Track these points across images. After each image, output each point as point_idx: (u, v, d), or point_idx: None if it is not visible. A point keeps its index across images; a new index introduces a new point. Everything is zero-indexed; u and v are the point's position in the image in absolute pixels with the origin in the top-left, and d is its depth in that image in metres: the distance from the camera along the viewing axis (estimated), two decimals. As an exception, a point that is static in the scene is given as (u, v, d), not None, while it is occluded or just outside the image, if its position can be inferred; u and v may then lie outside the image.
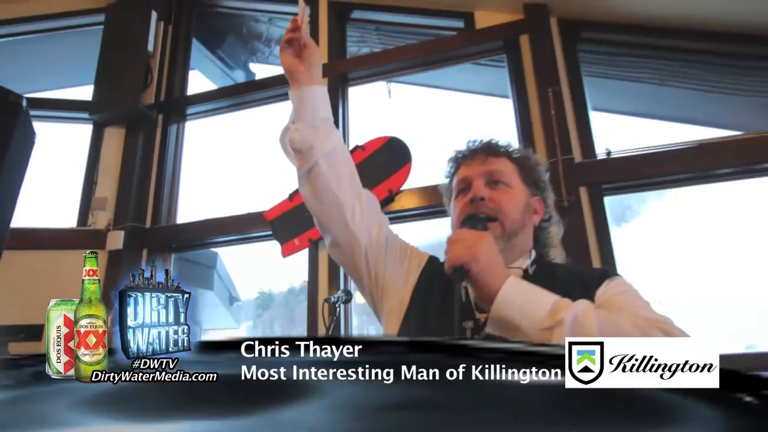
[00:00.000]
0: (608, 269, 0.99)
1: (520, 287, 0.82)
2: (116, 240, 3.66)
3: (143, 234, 3.77)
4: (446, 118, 4.26)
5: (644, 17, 3.09)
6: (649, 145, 2.97)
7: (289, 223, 3.30)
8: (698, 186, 2.95)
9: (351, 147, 3.46)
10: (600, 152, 3.02)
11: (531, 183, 1.08)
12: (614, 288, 0.92)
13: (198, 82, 4.39)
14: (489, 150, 1.08)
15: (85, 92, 4.05)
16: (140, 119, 3.92)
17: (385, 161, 3.23)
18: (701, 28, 3.00)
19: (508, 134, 3.24)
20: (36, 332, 3.55)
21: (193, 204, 4.09)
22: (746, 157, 2.74)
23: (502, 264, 0.86)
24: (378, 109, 4.09)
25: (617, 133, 3.29)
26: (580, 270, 1.02)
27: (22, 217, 3.79)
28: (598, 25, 3.24)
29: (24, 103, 1.38)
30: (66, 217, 3.89)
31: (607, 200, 2.95)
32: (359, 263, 1.05)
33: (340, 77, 3.71)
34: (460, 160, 1.12)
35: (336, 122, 3.77)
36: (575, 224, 2.80)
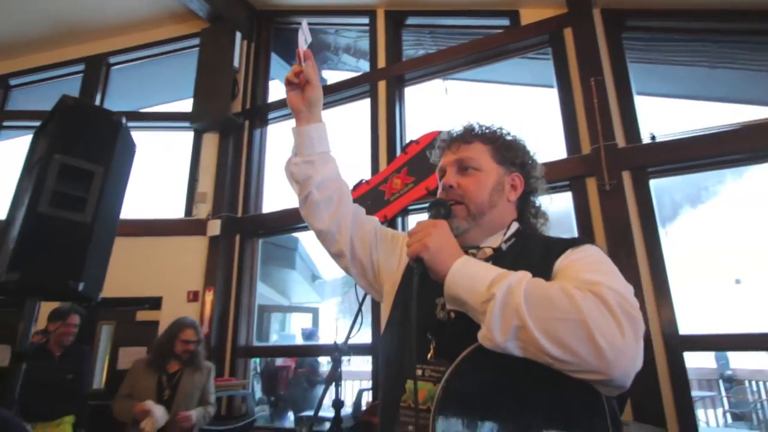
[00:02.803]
0: (581, 238, 0.91)
1: (467, 267, 0.82)
2: (214, 227, 3.99)
3: (236, 222, 4.08)
4: (498, 109, 4.19)
5: (690, 1, 2.85)
6: (697, 127, 2.76)
7: (365, 203, 3.40)
8: (748, 166, 2.71)
9: (407, 141, 3.51)
10: (645, 137, 2.85)
11: (506, 161, 1.04)
12: (573, 256, 0.86)
13: (278, 90, 4.63)
14: (462, 137, 1.06)
15: (184, 105, 4.43)
16: (230, 125, 4.22)
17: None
18: (750, 8, 2.72)
19: (553, 122, 3.15)
20: (156, 303, 3.99)
21: (276, 195, 4.35)
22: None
23: (454, 248, 0.86)
24: (435, 105, 4.10)
25: (664, 116, 3.08)
26: (553, 240, 0.96)
27: (142, 210, 4.25)
28: (643, 12, 3.02)
29: (123, 120, 1.59)
30: (175, 209, 4.29)
31: (681, 182, 2.75)
32: (350, 269, 1.13)
33: (396, 80, 3.76)
34: (441, 150, 1.11)
35: (393, 122, 3.77)
36: (616, 208, 2.68)
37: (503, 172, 1.04)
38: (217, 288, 3.87)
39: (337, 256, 1.14)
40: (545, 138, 3.50)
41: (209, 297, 3.88)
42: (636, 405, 2.35)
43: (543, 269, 0.84)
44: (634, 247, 2.59)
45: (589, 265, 0.82)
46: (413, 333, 0.78)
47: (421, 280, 0.83)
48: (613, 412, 0.75)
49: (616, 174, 2.73)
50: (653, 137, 2.82)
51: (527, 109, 3.85)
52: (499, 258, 0.94)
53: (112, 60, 4.73)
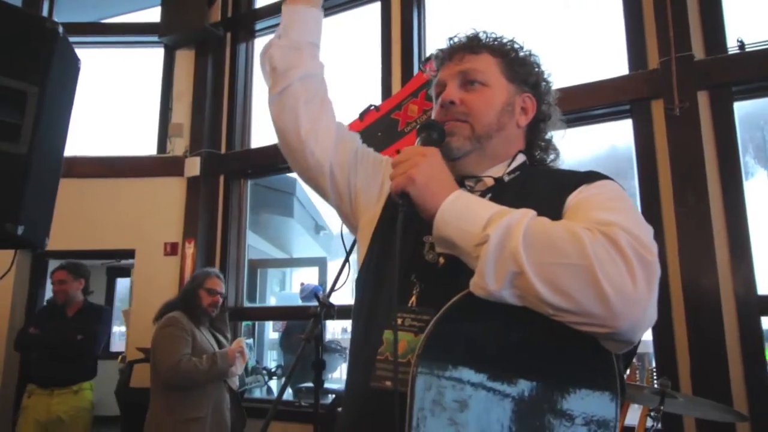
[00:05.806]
0: (596, 172, 0.93)
1: (460, 203, 0.84)
2: (193, 166, 4.06)
3: (219, 159, 4.13)
4: (547, 15, 4.02)
5: None
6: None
7: (375, 135, 3.34)
8: None
9: (426, 56, 3.42)
10: (731, 45, 2.72)
11: (518, 79, 1.06)
12: (587, 192, 0.90)
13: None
14: (467, 47, 1.07)
15: (152, 14, 4.39)
16: (208, 39, 4.18)
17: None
18: None
19: (615, 31, 3.02)
20: (128, 256, 4.15)
21: (268, 126, 4.35)
22: None
23: (446, 180, 0.88)
24: (465, 10, 3.95)
25: (760, 18, 2.92)
26: (563, 174, 1.01)
27: (106, 146, 4.32)
28: None
29: (61, 30, 1.59)
30: (146, 145, 4.36)
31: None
32: (326, 188, 1.15)
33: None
34: (440, 62, 1.11)
35: (409, 32, 3.66)
36: (688, 138, 2.60)
37: (514, 91, 1.06)
38: (199, 239, 3.98)
39: (313, 173, 1.14)
40: (603, 51, 3.37)
41: (190, 250, 4.01)
42: (696, 377, 2.39)
43: (552, 206, 0.87)
44: (707, 189, 2.53)
45: (604, 203, 0.85)
46: (395, 277, 0.82)
47: (407, 217, 0.86)
48: (619, 371, 0.78)
49: (690, 94, 2.63)
50: (741, 44, 2.68)
51: (585, 14, 3.68)
52: (500, 190, 0.98)
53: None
